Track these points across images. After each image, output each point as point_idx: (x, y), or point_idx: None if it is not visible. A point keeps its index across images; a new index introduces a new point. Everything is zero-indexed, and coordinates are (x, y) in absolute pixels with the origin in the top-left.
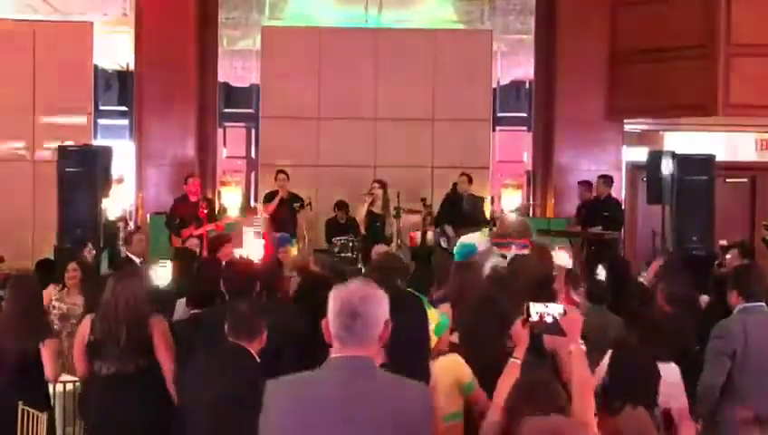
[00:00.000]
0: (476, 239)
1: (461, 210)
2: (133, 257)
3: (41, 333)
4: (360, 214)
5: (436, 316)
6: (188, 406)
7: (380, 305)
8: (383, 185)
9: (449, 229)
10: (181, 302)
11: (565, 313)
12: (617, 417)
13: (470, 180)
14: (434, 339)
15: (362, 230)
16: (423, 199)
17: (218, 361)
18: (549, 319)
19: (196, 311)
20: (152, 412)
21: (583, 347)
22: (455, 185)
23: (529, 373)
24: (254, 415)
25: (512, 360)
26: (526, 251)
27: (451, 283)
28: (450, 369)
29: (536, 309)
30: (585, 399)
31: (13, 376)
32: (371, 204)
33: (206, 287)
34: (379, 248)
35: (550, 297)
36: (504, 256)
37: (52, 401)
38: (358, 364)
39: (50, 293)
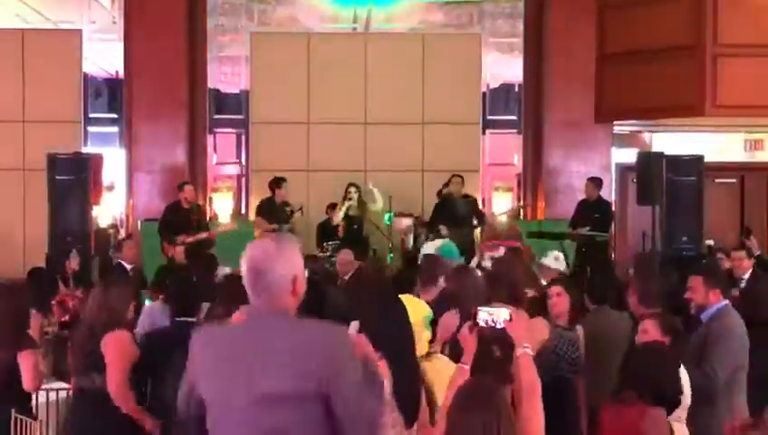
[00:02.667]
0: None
1: (454, 212)
2: (124, 264)
3: (20, 342)
4: (338, 218)
5: (425, 309)
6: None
7: (286, 262)
8: (358, 188)
9: (444, 230)
10: (153, 306)
11: (511, 318)
12: (632, 412)
13: (463, 182)
14: (427, 334)
15: (340, 233)
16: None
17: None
18: (497, 324)
19: (180, 319)
20: (113, 431)
21: (529, 352)
22: (444, 186)
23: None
24: None
25: (459, 365)
26: None
27: (448, 287)
28: (458, 378)
29: (484, 314)
30: (533, 403)
31: (2, 387)
32: (349, 207)
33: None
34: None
35: (510, 297)
36: (494, 259)
37: (34, 411)
38: (266, 313)
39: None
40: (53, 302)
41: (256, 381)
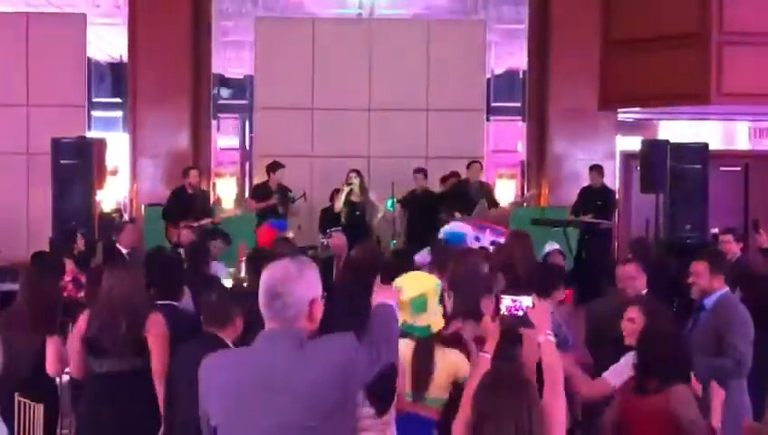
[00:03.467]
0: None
1: (468, 197)
2: (121, 249)
3: (48, 328)
4: (339, 204)
5: (434, 278)
6: (173, 402)
7: (303, 285)
8: (359, 173)
9: (458, 217)
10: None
11: (534, 305)
12: (657, 397)
13: (481, 168)
14: (439, 308)
15: (342, 219)
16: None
17: (190, 353)
18: (519, 312)
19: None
20: (144, 415)
21: (552, 338)
22: (449, 175)
23: (499, 366)
24: None
25: (481, 354)
26: (501, 238)
27: (450, 271)
28: (453, 367)
29: (506, 302)
30: (556, 389)
31: (21, 370)
32: (350, 193)
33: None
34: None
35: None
36: (478, 239)
37: (57, 393)
38: (279, 333)
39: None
40: (68, 280)
41: (273, 408)
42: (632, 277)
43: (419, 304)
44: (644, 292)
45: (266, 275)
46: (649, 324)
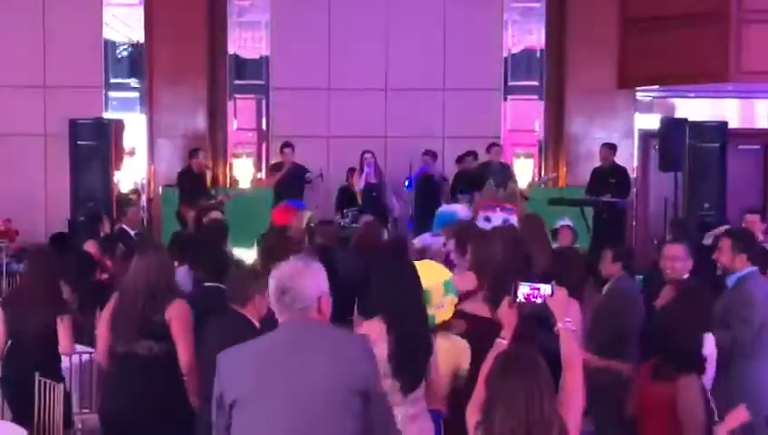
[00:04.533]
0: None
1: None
2: (128, 229)
3: (58, 307)
4: (360, 183)
5: (445, 273)
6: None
7: (311, 280)
8: (374, 155)
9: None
10: (181, 269)
11: (553, 293)
12: (666, 385)
13: (501, 149)
14: (451, 297)
15: (359, 201)
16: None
17: (216, 328)
18: (537, 300)
19: (211, 284)
20: (159, 400)
21: (570, 326)
22: (465, 154)
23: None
24: None
25: (498, 340)
26: (513, 216)
27: (471, 252)
28: (454, 356)
29: (524, 290)
30: (574, 376)
31: (32, 348)
32: (367, 174)
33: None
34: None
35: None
36: (489, 219)
37: (65, 374)
38: (295, 323)
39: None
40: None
41: (292, 389)
42: (676, 258)
43: (425, 297)
44: (685, 276)
45: (275, 273)
46: (671, 310)
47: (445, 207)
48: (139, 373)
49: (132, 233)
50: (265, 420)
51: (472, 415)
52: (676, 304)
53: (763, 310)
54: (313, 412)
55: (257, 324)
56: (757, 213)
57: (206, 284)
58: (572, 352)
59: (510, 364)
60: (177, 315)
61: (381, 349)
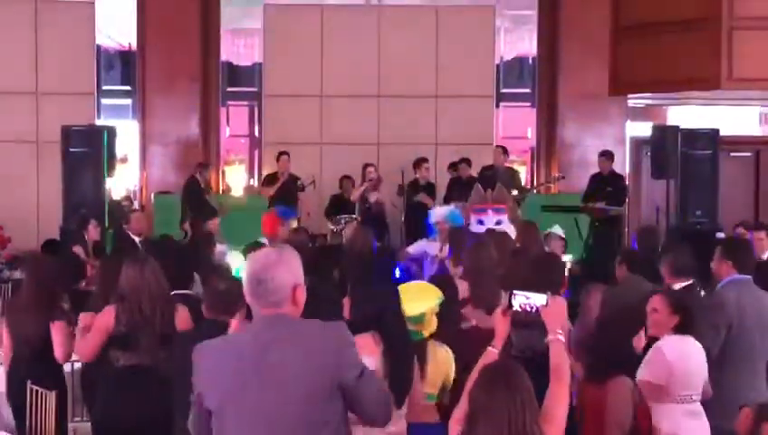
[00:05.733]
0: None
1: (495, 182)
2: (132, 236)
3: (52, 313)
4: (355, 195)
5: (437, 293)
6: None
7: (285, 271)
8: (375, 168)
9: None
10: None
11: (548, 303)
12: (602, 386)
13: (505, 152)
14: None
15: (355, 209)
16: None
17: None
18: (531, 309)
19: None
20: (165, 407)
21: (561, 338)
22: (459, 161)
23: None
24: None
25: (489, 348)
26: (504, 215)
27: (466, 261)
28: (445, 364)
29: (519, 299)
30: (560, 388)
31: (27, 354)
32: (366, 190)
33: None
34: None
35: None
36: (482, 222)
37: (64, 381)
38: (270, 319)
39: None
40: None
41: (270, 388)
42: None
43: (417, 320)
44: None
45: (249, 264)
46: (609, 314)
47: (437, 209)
48: (146, 383)
49: (137, 240)
50: (246, 429)
51: (454, 426)
52: (602, 309)
53: (737, 316)
54: (291, 419)
55: None
56: (764, 229)
57: (175, 292)
58: (561, 365)
59: (494, 378)
60: (183, 323)
61: (372, 361)
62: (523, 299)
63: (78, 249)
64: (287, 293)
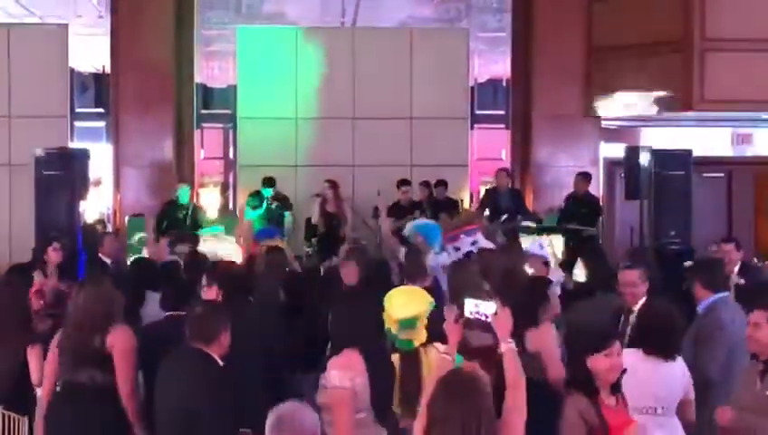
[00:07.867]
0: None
1: (498, 204)
2: (105, 259)
3: (26, 337)
4: (315, 215)
5: (427, 297)
6: (156, 418)
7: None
8: (334, 184)
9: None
10: (153, 296)
11: (497, 312)
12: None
13: (508, 174)
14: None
15: (321, 229)
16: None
17: (175, 367)
18: (482, 317)
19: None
20: (103, 432)
21: (513, 347)
22: (435, 184)
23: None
24: (211, 423)
25: (442, 356)
26: (477, 235)
27: (449, 283)
28: (441, 369)
29: (470, 306)
30: (516, 397)
31: (3, 380)
32: (324, 203)
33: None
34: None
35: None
36: (458, 249)
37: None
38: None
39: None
40: (32, 291)
41: None
42: (635, 284)
43: (409, 324)
44: (643, 300)
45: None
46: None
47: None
48: (82, 403)
49: (109, 262)
50: None
51: None
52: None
53: (733, 334)
54: None
55: (221, 362)
56: (731, 242)
57: (173, 313)
58: (515, 373)
59: (449, 388)
60: (117, 342)
61: (361, 379)
62: (473, 307)
63: (37, 273)
64: None
